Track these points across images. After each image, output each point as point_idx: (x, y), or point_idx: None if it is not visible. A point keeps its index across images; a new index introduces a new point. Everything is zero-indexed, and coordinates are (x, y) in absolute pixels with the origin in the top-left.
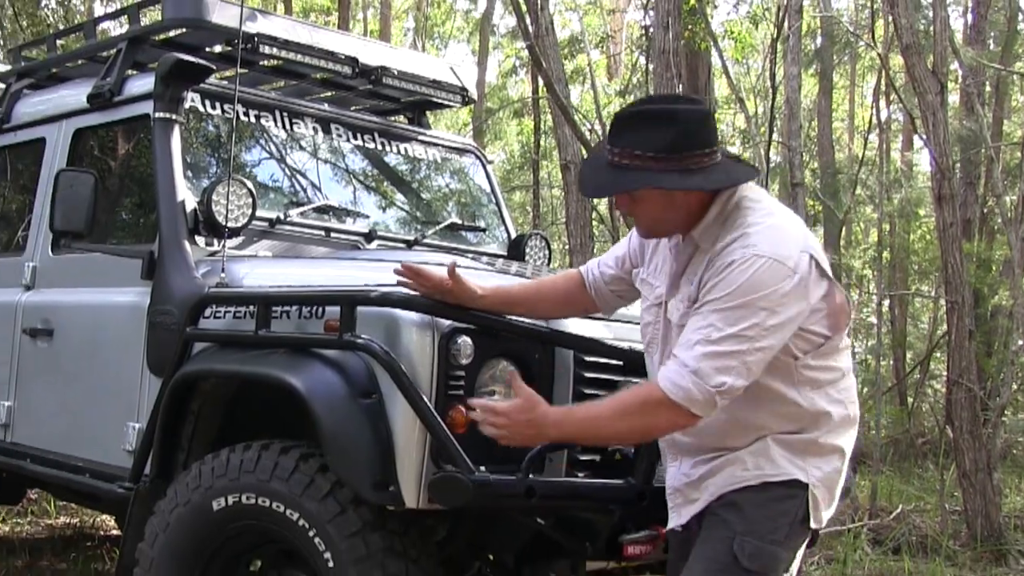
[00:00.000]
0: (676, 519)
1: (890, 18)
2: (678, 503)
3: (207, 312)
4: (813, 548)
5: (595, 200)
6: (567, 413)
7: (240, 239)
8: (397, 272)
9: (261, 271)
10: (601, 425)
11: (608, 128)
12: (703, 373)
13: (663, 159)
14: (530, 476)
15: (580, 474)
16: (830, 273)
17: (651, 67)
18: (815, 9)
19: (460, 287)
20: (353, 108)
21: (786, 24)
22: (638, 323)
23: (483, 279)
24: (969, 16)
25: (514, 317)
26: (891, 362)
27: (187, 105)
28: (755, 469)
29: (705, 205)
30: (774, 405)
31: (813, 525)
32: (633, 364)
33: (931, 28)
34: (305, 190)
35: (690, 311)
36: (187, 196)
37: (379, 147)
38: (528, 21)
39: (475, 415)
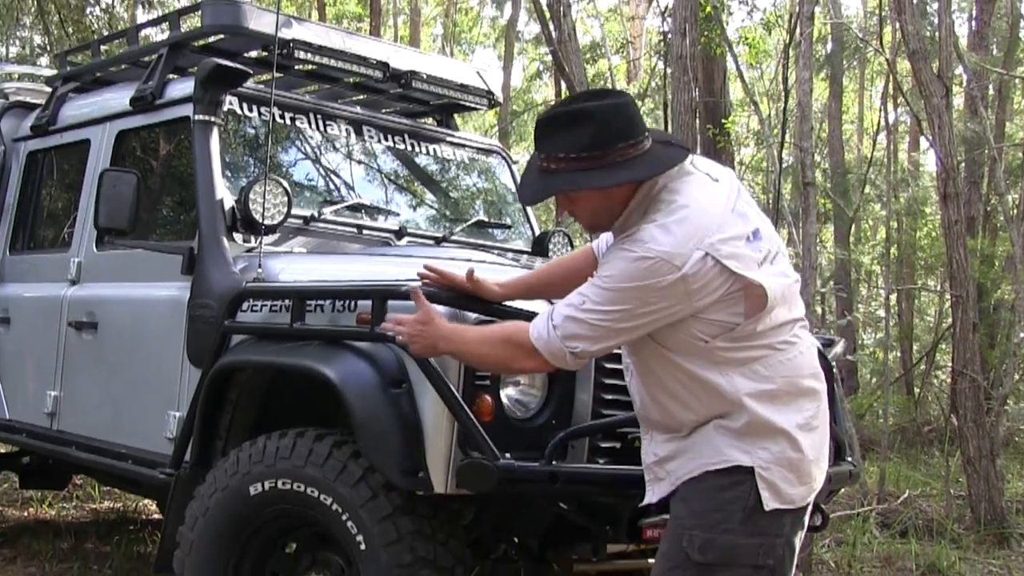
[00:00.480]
0: (650, 495)
1: (897, 25)
2: (650, 479)
3: (244, 306)
4: (823, 531)
5: None
6: (455, 330)
7: (276, 236)
8: (420, 274)
9: (296, 267)
10: (472, 348)
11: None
12: (563, 331)
13: (586, 158)
14: (553, 463)
15: (601, 460)
16: (741, 268)
17: (669, 71)
18: (826, 16)
19: (479, 287)
20: (384, 111)
21: (798, 30)
22: None
23: (501, 274)
24: (973, 23)
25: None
26: (898, 354)
27: (225, 108)
28: (698, 459)
29: (635, 193)
30: (694, 385)
31: (775, 506)
32: None
33: (937, 34)
34: (338, 189)
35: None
36: (225, 195)
37: (409, 148)
38: (552, 28)
39: (386, 327)
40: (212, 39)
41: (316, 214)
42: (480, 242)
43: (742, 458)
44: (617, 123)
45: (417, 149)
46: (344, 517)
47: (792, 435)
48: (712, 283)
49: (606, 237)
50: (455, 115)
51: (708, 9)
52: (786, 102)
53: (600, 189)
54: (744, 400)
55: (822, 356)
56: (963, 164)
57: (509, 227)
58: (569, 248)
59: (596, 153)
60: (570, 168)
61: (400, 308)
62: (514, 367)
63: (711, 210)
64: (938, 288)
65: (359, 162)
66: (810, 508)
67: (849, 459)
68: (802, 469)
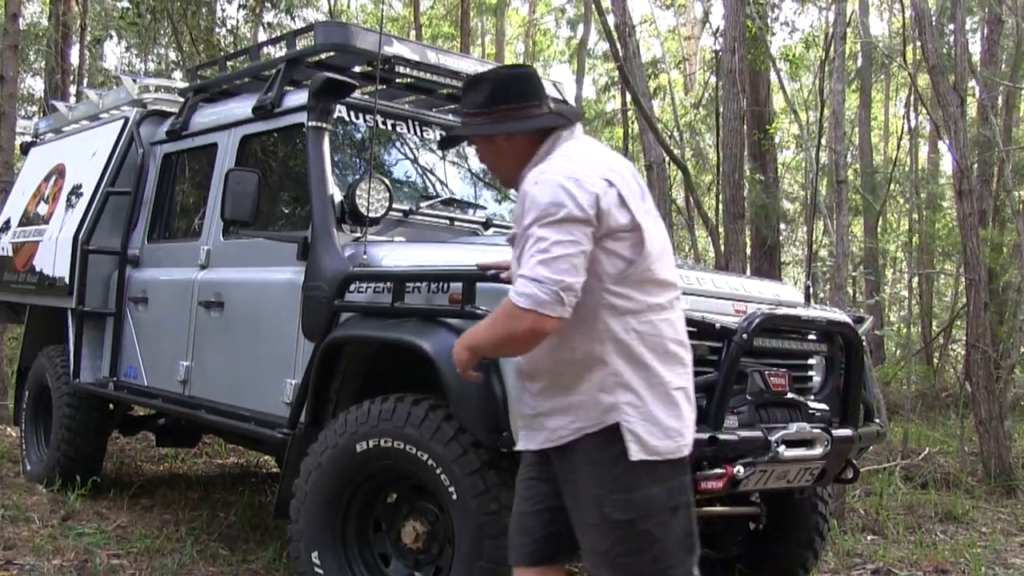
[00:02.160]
0: (525, 442)
1: (918, 43)
2: (525, 427)
3: (352, 287)
4: (854, 483)
5: (672, 193)
6: (468, 332)
7: (379, 227)
8: (481, 266)
9: (396, 253)
10: (482, 338)
11: None
12: (543, 277)
13: (483, 114)
14: None
15: None
16: (634, 207)
17: (720, 84)
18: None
19: None
20: None
21: (832, 48)
22: (708, 296)
23: None
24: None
25: None
26: (919, 329)
27: (335, 115)
28: (576, 422)
29: (537, 150)
30: (580, 328)
31: (642, 457)
32: (707, 332)
33: (953, 52)
34: (433, 186)
35: (515, 246)
36: (335, 191)
37: None
38: (618, 46)
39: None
40: (324, 56)
41: (414, 208)
42: None
43: (611, 415)
44: (509, 87)
45: None
46: (438, 471)
47: (652, 390)
48: (614, 210)
49: None
50: None
51: (754, 30)
52: (822, 110)
53: (486, 137)
54: (616, 349)
55: (839, 331)
56: (976, 164)
57: None
58: None
59: (487, 109)
60: (472, 122)
61: (486, 289)
62: (517, 336)
63: (609, 161)
64: (954, 272)
65: (451, 163)
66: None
67: (877, 421)
68: (666, 424)
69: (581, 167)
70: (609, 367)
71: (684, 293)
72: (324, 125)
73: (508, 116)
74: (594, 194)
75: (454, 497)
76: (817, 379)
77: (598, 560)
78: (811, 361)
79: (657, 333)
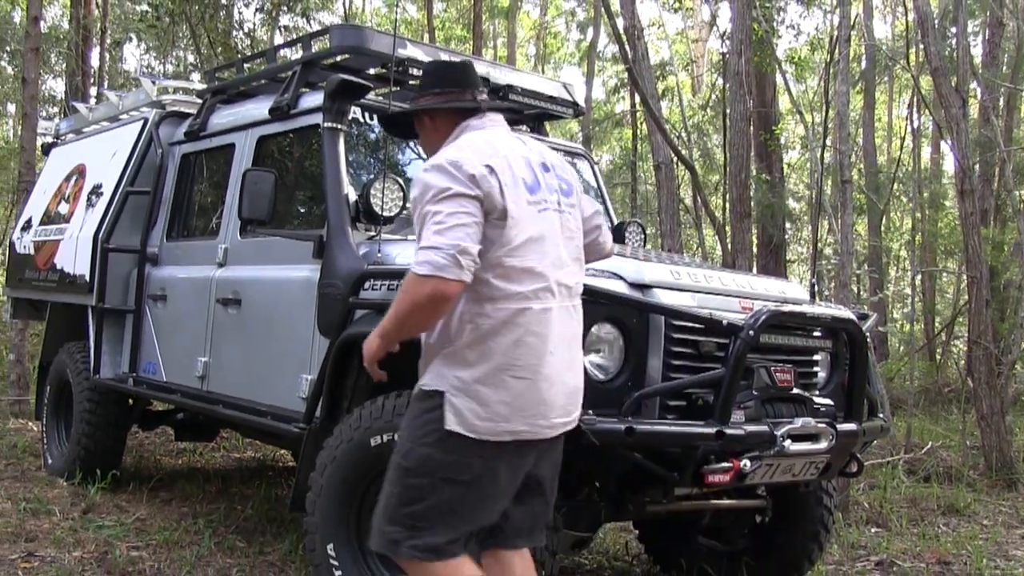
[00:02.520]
0: None
1: (921, 46)
2: None
3: (366, 285)
4: (859, 477)
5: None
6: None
7: (393, 226)
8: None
9: (410, 252)
10: (388, 315)
11: None
12: (439, 244)
13: (417, 97)
14: (629, 419)
15: (670, 417)
16: (509, 194)
17: (727, 86)
18: (861, 39)
19: None
20: None
21: (837, 51)
22: (715, 293)
23: None
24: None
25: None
26: (922, 326)
27: (350, 116)
28: (420, 380)
29: (454, 130)
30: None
31: (458, 430)
32: (714, 328)
33: (955, 54)
34: None
35: (415, 229)
36: (350, 191)
37: None
38: (627, 48)
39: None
40: (339, 58)
41: None
42: None
43: (439, 382)
44: (441, 74)
45: None
46: None
47: (488, 374)
48: (493, 194)
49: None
50: (545, 123)
51: (760, 33)
52: (827, 112)
53: (407, 113)
54: (463, 329)
55: (843, 327)
56: (977, 164)
57: None
58: (642, 236)
59: (420, 92)
60: (412, 104)
61: None
62: (421, 303)
63: (501, 149)
64: (956, 270)
65: None
66: (534, 448)
67: (880, 416)
68: (491, 407)
69: (467, 154)
70: (454, 345)
71: (692, 291)
72: (339, 126)
73: (431, 99)
74: (472, 175)
75: None
76: (822, 375)
77: (385, 486)
78: (816, 357)
79: (510, 320)
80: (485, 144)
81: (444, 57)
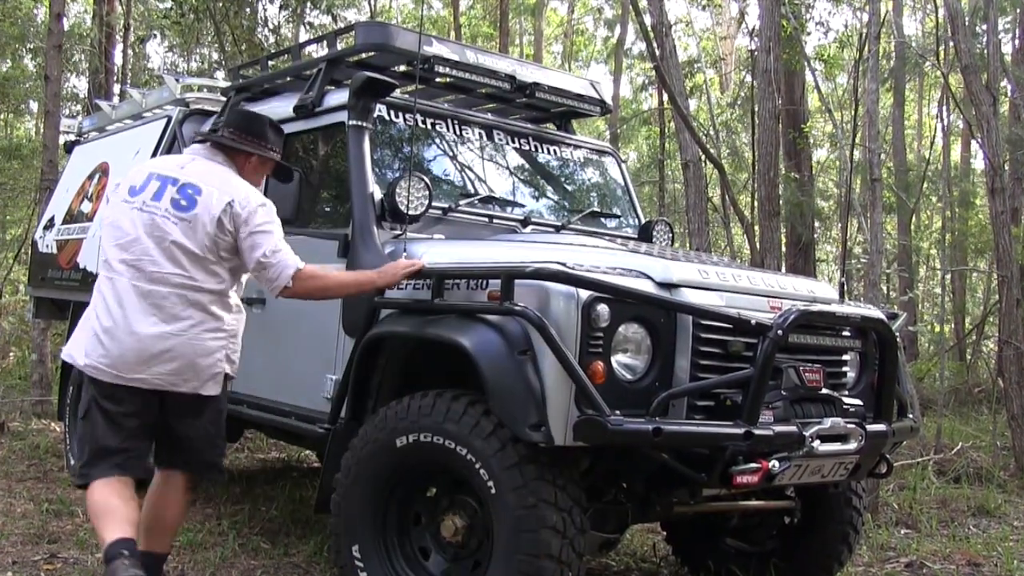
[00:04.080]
0: None
1: (952, 43)
2: None
3: None
4: (888, 477)
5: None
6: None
7: (418, 224)
8: None
9: (436, 251)
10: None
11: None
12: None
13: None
14: (656, 419)
15: (697, 417)
16: (111, 193)
17: (755, 83)
18: (890, 36)
19: None
20: (511, 117)
21: (866, 48)
22: (744, 292)
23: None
24: (1017, 41)
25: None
26: (952, 325)
27: (375, 114)
28: None
29: None
30: None
31: (72, 360)
32: (743, 328)
33: (985, 51)
34: (472, 184)
35: None
36: (375, 189)
37: (532, 149)
38: (655, 46)
39: None
40: (364, 56)
41: (453, 205)
42: (594, 229)
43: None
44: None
45: (539, 150)
46: (477, 465)
47: (89, 327)
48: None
49: None
50: (572, 121)
51: (789, 30)
52: (856, 110)
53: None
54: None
55: (872, 327)
56: (1008, 163)
57: (619, 217)
58: (670, 235)
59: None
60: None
61: (525, 286)
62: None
63: (152, 166)
64: (986, 269)
65: (490, 161)
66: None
67: (910, 416)
68: (88, 350)
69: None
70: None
71: (720, 290)
72: (364, 124)
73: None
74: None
75: (493, 491)
76: (851, 375)
77: None
78: (845, 357)
79: (104, 288)
80: (151, 163)
81: (472, 55)
